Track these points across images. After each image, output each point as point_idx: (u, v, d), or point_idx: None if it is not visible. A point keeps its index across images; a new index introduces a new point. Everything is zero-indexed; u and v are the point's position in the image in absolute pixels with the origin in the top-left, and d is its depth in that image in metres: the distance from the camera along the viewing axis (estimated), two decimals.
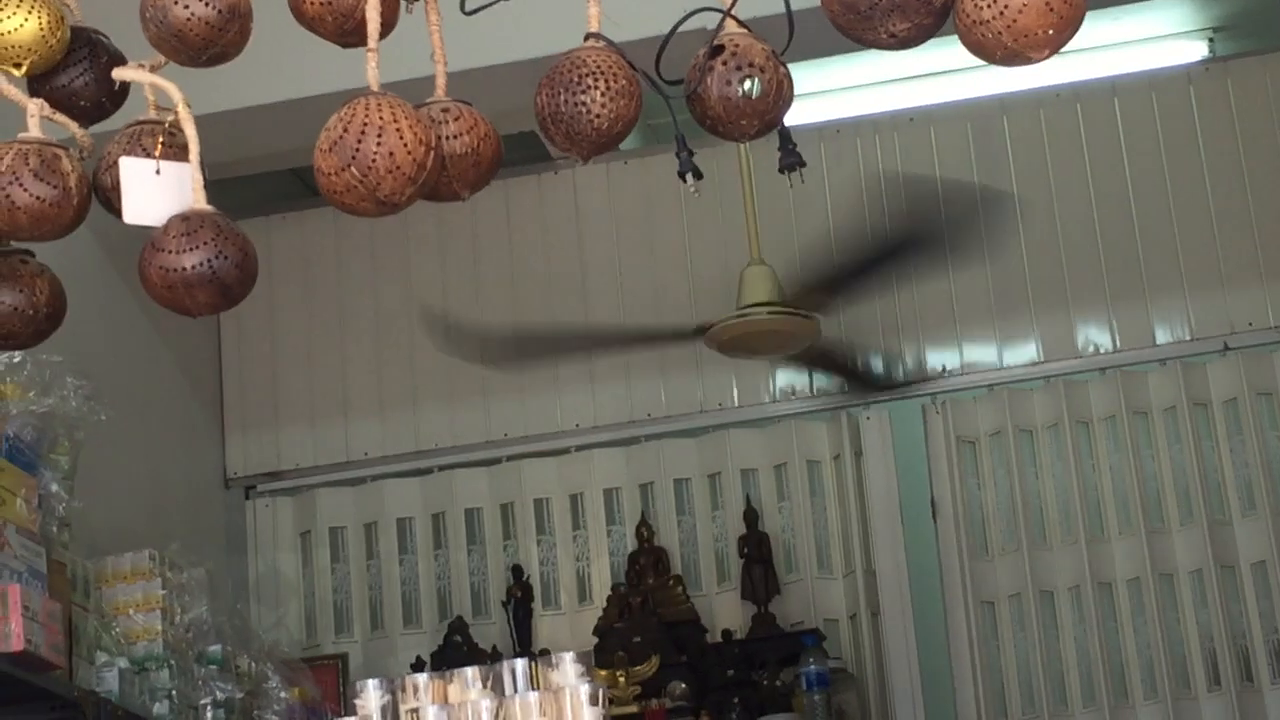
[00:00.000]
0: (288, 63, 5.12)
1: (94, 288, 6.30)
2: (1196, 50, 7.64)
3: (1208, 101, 7.31)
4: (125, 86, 2.66)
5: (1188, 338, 7.20)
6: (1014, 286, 7.29)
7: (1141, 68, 7.52)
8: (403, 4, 2.52)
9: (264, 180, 7.46)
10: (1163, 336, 7.22)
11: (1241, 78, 7.26)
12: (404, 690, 2.98)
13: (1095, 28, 6.48)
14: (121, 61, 2.66)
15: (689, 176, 2.42)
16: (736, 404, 7.42)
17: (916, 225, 6.28)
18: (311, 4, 2.44)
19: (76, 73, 2.71)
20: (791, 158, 2.58)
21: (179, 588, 5.33)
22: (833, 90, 7.67)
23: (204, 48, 2.50)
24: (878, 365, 7.22)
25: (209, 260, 2.40)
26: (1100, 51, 7.45)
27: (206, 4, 2.47)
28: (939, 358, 7.36)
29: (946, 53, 7.32)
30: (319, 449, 7.61)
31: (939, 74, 7.59)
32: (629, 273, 7.50)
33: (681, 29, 2.48)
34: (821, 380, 7.36)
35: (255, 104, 5.56)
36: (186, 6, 2.46)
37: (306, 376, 7.67)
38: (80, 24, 2.77)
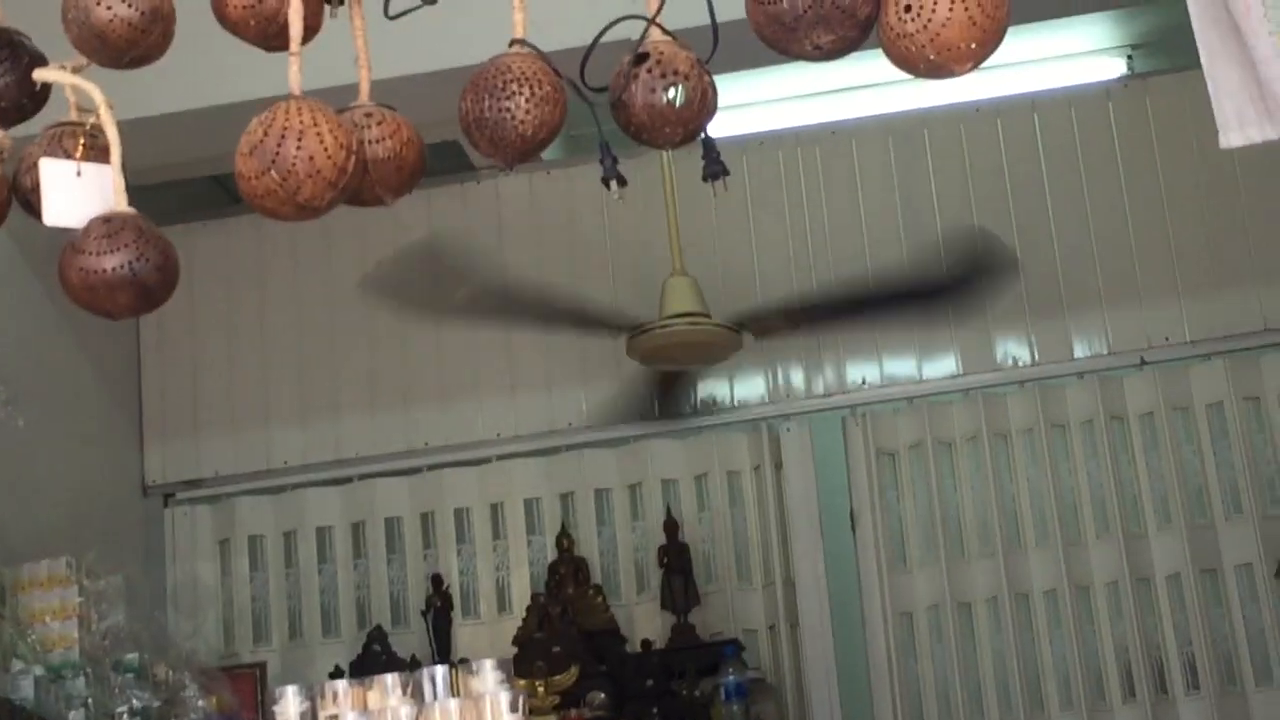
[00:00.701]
0: (211, 68, 5.10)
1: (11, 292, 6.26)
2: (1115, 67, 7.70)
3: (1126, 118, 7.38)
4: (46, 88, 2.64)
5: (1105, 352, 7.26)
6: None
7: (1061, 84, 7.58)
8: (326, 9, 2.50)
9: (186, 187, 7.43)
10: (1080, 351, 7.28)
11: (1160, 95, 7.33)
12: (323, 697, 2.97)
13: (1015, 44, 6.49)
14: (43, 62, 2.64)
15: (613, 183, 2.41)
16: (657, 414, 7.43)
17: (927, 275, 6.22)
18: (235, 8, 2.43)
19: None
20: (715, 166, 2.59)
21: (96, 595, 5.29)
22: (755, 103, 7.69)
23: (126, 49, 2.48)
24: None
25: (130, 262, 2.38)
26: (1020, 68, 7.51)
27: (129, 5, 2.45)
28: (859, 370, 7.39)
29: (869, 67, 7.36)
30: (239, 457, 7.57)
31: (861, 88, 7.63)
32: (551, 283, 7.48)
33: (607, 39, 2.48)
34: (743, 390, 7.38)
35: (178, 110, 5.52)
36: (109, 8, 2.44)
37: (227, 384, 7.64)
38: (1, 24, 2.74)
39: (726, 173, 2.60)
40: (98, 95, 2.48)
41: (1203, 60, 2.66)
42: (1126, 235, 7.29)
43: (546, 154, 7.93)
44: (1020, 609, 7.06)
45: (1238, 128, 2.60)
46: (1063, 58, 7.63)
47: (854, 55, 2.37)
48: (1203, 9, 2.64)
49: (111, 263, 2.39)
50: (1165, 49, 7.43)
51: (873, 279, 6.90)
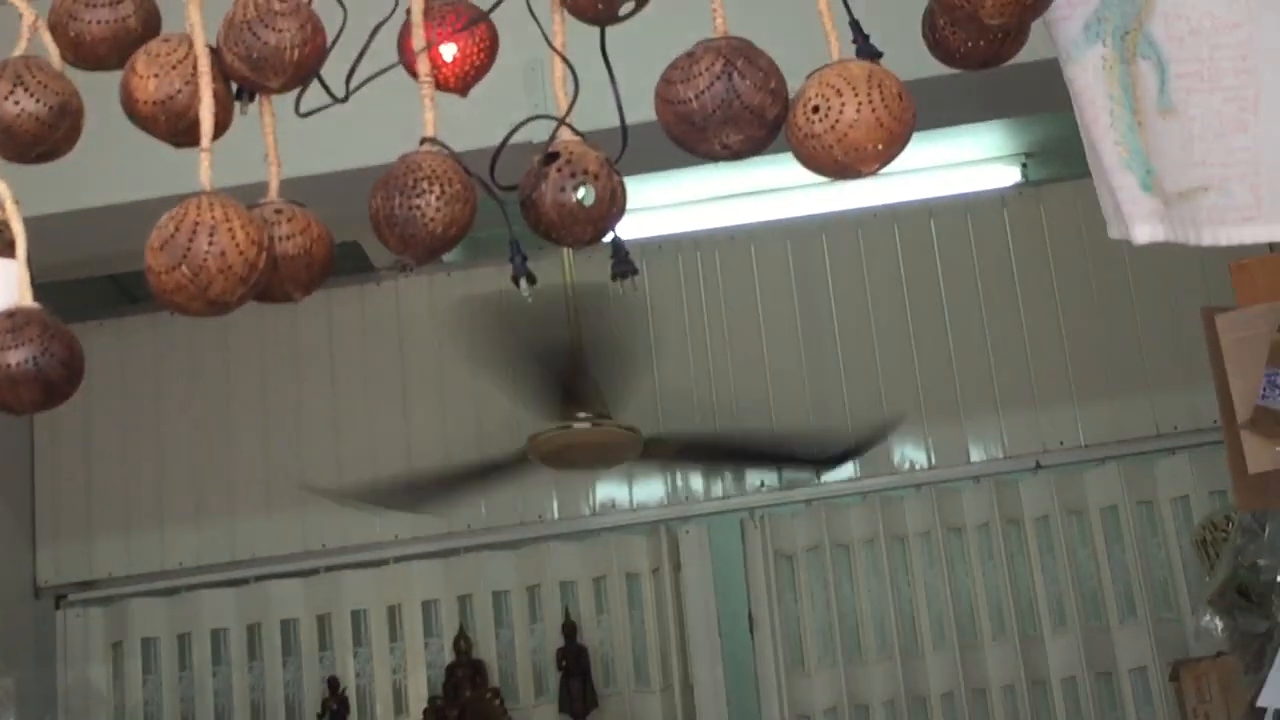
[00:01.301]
0: (110, 167, 5.08)
1: None
2: (1010, 175, 7.80)
3: (1021, 224, 7.48)
4: None
5: (1001, 456, 7.33)
6: (830, 402, 7.37)
7: (958, 190, 7.67)
8: (236, 106, 2.50)
9: (82, 286, 7.37)
10: (977, 454, 7.34)
11: (1053, 202, 7.43)
12: None
13: (913, 151, 6.52)
14: None
15: (523, 281, 2.42)
16: (556, 516, 7.43)
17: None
18: (144, 104, 2.42)
19: None
20: (623, 265, 2.60)
21: None
22: (655, 207, 7.74)
23: (33, 144, 2.46)
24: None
25: (34, 357, 2.36)
26: (918, 174, 7.59)
27: (37, 101, 2.44)
28: (757, 473, 7.41)
29: (769, 172, 7.41)
30: (133, 558, 7.50)
31: (761, 193, 7.68)
32: (450, 384, 7.49)
33: (517, 141, 2.50)
34: (642, 493, 7.39)
35: (76, 208, 5.48)
36: (16, 103, 2.43)
37: (121, 485, 7.57)
38: None
39: (635, 271, 2.62)
40: (3, 190, 2.46)
41: (1088, 157, 2.73)
42: (1021, 340, 7.37)
43: (446, 255, 7.96)
44: (917, 712, 7.07)
45: (1118, 223, 2.67)
46: (959, 165, 7.72)
47: (754, 160, 2.40)
48: (1082, 108, 2.71)
49: (15, 357, 2.36)
50: (1059, 157, 7.54)
51: (766, 432, 7.03)
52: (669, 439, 6.21)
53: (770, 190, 7.63)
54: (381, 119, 3.74)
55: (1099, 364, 7.31)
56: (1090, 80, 2.62)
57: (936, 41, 2.58)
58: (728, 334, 7.49)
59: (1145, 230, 2.57)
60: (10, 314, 2.41)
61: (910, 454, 7.37)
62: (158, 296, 2.28)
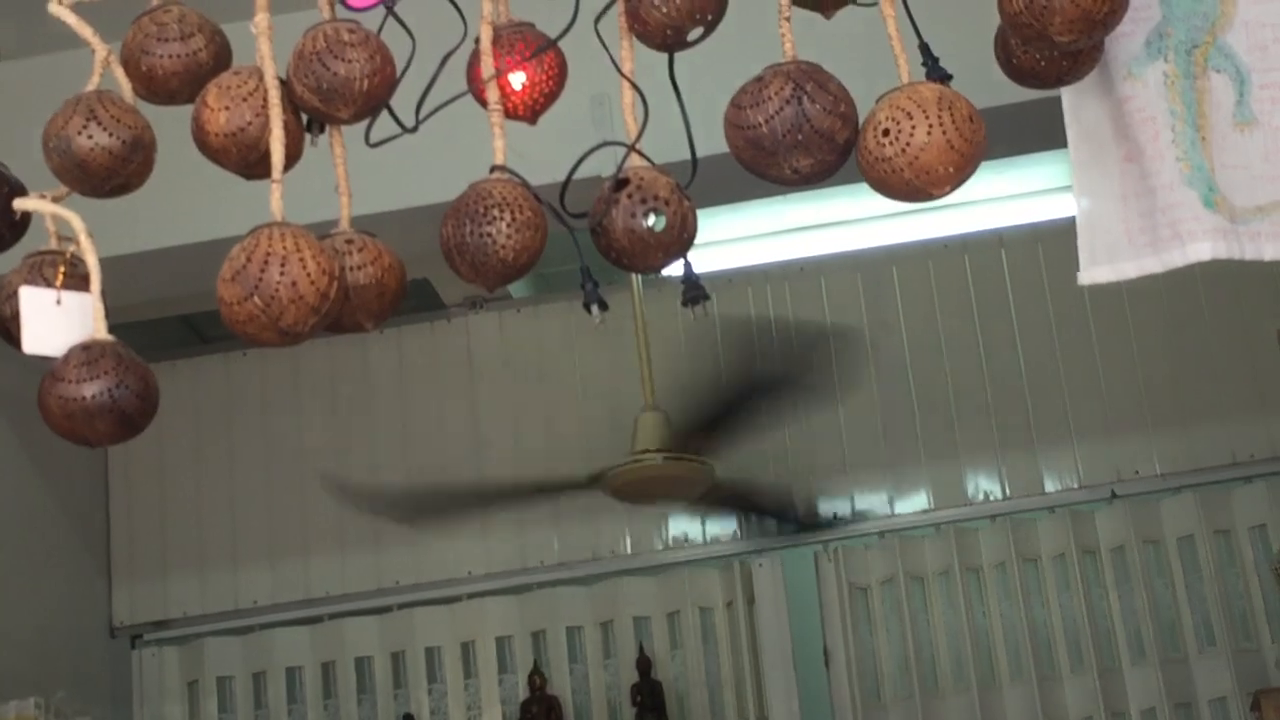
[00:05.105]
0: (180, 208, 5.12)
1: None
2: None
3: None
4: (26, 217, 2.64)
5: (1076, 486, 7.27)
6: (904, 434, 7.34)
7: (1028, 219, 7.62)
8: (307, 137, 2.51)
9: (154, 327, 7.42)
10: (1051, 485, 7.29)
11: None
12: None
13: (983, 181, 6.52)
14: (22, 192, 2.64)
15: (594, 307, 2.41)
16: (629, 551, 7.41)
17: (785, 365, 6.28)
18: (216, 136, 2.43)
19: None
20: (695, 291, 2.60)
21: None
22: (724, 241, 7.73)
23: (107, 178, 2.48)
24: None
25: (110, 390, 2.37)
26: (988, 204, 7.56)
27: (110, 135, 2.46)
28: (830, 505, 7.38)
29: (838, 203, 7.38)
30: (207, 597, 7.52)
31: (830, 225, 7.67)
32: (522, 420, 7.49)
33: (583, 176, 2.50)
34: (715, 527, 7.37)
35: (147, 249, 5.52)
36: (90, 136, 2.45)
37: (195, 524, 7.59)
38: None
39: (706, 297, 2.61)
40: (78, 224, 2.48)
41: (1077, 197, 2.70)
42: (1094, 369, 7.32)
43: (516, 291, 7.96)
44: None
45: (1107, 263, 2.64)
46: (1029, 194, 7.68)
47: (822, 192, 2.40)
48: (1082, 143, 2.69)
49: (91, 390, 2.37)
50: None
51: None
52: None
53: (839, 222, 7.61)
54: (448, 155, 3.76)
55: (1173, 392, 7.25)
56: (1151, 96, 2.59)
57: (1009, 62, 2.56)
58: None
59: (1206, 248, 2.54)
60: (86, 347, 2.43)
61: (984, 485, 7.33)
62: (229, 327, 2.29)
